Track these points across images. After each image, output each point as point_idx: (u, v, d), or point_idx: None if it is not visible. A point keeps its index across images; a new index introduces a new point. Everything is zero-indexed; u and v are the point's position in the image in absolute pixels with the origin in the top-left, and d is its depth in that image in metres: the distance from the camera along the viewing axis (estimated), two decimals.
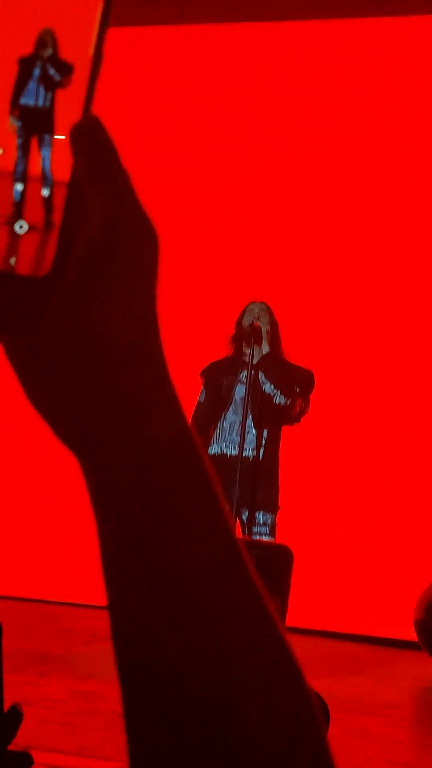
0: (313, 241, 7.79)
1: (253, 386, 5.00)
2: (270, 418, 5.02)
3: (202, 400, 5.18)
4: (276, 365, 5.11)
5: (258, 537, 4.94)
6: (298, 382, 5.11)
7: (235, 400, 5.04)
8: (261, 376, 5.05)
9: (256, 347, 5.04)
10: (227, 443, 5.03)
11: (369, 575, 7.42)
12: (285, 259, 7.82)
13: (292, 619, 7.04)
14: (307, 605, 7.42)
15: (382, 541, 7.43)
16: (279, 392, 5.00)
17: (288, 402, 5.03)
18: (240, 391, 5.01)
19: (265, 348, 5.12)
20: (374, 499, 7.50)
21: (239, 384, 5.06)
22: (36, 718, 3.52)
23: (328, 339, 7.70)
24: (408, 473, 7.43)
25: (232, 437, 5.00)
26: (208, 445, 5.11)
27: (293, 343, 5.39)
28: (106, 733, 3.37)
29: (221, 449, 5.04)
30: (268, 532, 4.95)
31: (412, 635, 6.08)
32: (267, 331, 5.12)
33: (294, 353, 5.30)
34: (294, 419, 5.14)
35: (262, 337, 5.08)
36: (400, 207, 7.64)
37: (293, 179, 7.89)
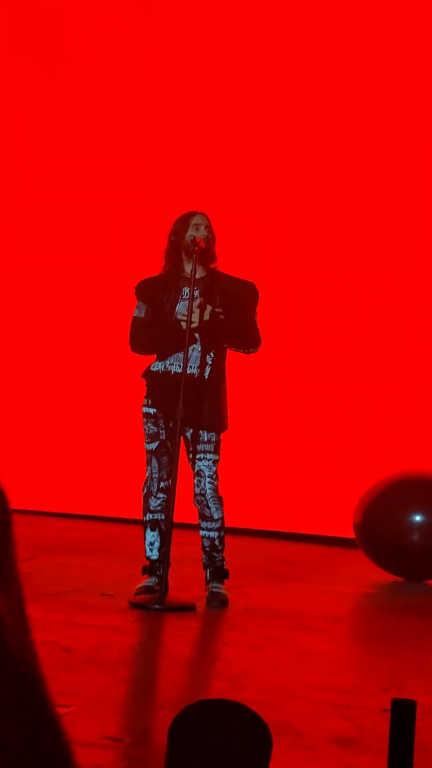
0: (307, 226, 7.62)
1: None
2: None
3: (141, 315, 4.95)
4: (215, 285, 4.91)
5: (202, 454, 4.83)
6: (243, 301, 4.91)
7: (177, 317, 4.85)
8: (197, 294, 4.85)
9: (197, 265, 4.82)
10: (172, 360, 4.86)
11: (313, 479, 7.45)
12: (279, 240, 7.65)
13: (239, 521, 7.10)
14: (251, 507, 7.46)
15: (326, 447, 7.45)
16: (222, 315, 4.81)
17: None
18: (182, 308, 4.82)
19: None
20: (320, 405, 7.50)
21: (182, 301, 4.86)
22: None
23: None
24: (354, 380, 7.42)
25: (177, 355, 4.83)
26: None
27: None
28: (47, 671, 3.28)
29: (165, 367, 4.87)
30: (212, 449, 4.83)
31: (351, 534, 6.11)
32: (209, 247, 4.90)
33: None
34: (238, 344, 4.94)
35: (206, 255, 4.86)
36: (397, 193, 7.45)
37: (292, 173, 7.66)
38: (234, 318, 4.82)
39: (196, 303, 4.79)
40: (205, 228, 4.89)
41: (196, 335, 4.76)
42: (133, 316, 4.96)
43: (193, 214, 4.95)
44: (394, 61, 7.48)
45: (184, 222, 4.92)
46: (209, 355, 4.82)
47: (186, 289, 4.79)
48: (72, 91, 8.23)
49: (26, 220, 8.34)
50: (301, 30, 7.67)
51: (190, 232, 4.88)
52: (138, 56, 8.06)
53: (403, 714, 1.95)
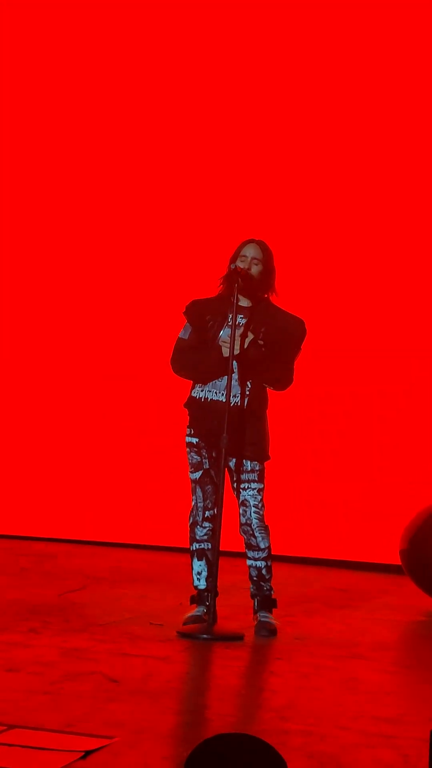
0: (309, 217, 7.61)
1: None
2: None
3: (185, 337, 4.92)
4: (262, 316, 4.87)
5: (246, 484, 4.80)
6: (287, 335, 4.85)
7: (219, 342, 4.82)
8: (242, 322, 4.83)
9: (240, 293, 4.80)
10: (210, 388, 4.83)
11: (360, 506, 7.39)
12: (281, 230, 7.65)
13: (287, 549, 7.05)
14: (298, 535, 7.41)
15: (373, 473, 7.39)
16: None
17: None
18: (225, 335, 4.79)
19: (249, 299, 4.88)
20: (367, 431, 7.44)
21: (226, 327, 4.83)
22: (23, 688, 3.41)
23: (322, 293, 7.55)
24: (401, 406, 7.36)
25: (216, 383, 4.80)
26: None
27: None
28: (93, 702, 3.26)
29: (205, 395, 4.84)
30: (256, 478, 4.80)
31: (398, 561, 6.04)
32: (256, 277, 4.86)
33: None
34: (276, 382, 4.89)
35: (250, 284, 4.82)
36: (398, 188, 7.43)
37: (291, 167, 7.68)
38: (273, 352, 4.78)
39: (239, 331, 4.77)
40: (254, 259, 4.86)
41: (235, 363, 4.73)
42: (178, 336, 4.94)
43: (246, 243, 4.93)
44: (394, 61, 7.44)
45: (237, 250, 4.92)
46: (248, 384, 4.78)
47: (231, 316, 4.76)
48: (71, 90, 8.27)
49: (31, 228, 8.38)
50: (301, 30, 7.66)
51: (237, 262, 4.88)
52: (138, 55, 8.08)
53: None
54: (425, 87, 7.36)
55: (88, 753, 2.64)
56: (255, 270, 4.87)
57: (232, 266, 4.85)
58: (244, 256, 4.89)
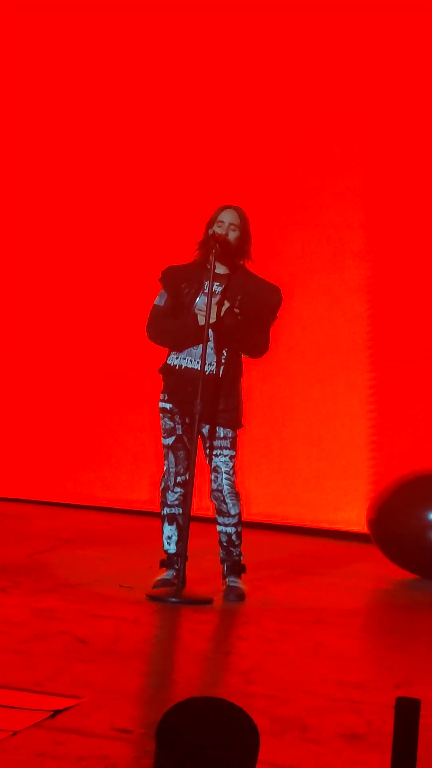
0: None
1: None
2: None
3: (160, 304, 4.90)
4: (238, 284, 4.86)
5: (219, 450, 4.81)
6: (264, 302, 4.84)
7: (195, 310, 4.81)
8: (217, 290, 4.81)
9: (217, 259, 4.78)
10: (185, 355, 4.83)
11: (330, 475, 7.44)
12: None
13: (256, 515, 7.09)
14: (269, 502, 7.45)
15: (343, 443, 7.43)
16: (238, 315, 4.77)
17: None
18: (201, 302, 4.78)
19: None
20: (339, 401, 7.47)
21: (202, 294, 4.82)
22: None
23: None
24: (374, 376, 7.40)
25: (191, 350, 4.80)
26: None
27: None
28: (63, 662, 3.29)
29: (180, 362, 4.84)
30: (229, 446, 4.81)
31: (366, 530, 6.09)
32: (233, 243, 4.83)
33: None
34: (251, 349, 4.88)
35: (226, 250, 4.80)
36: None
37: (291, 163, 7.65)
38: (249, 320, 4.78)
39: (215, 299, 4.77)
40: (232, 225, 4.83)
41: (210, 332, 4.72)
42: (154, 304, 4.92)
43: (223, 208, 4.89)
44: (394, 61, 7.43)
45: (213, 215, 4.88)
46: (223, 352, 4.78)
47: (207, 284, 4.74)
48: (71, 89, 8.21)
49: (29, 213, 8.33)
50: (301, 29, 7.63)
51: (214, 228, 4.85)
52: (137, 54, 8.03)
53: (407, 712, 1.94)
54: (425, 86, 7.35)
55: (56, 712, 2.67)
56: (232, 236, 4.84)
57: (210, 231, 4.83)
58: (221, 221, 4.86)
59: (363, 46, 7.45)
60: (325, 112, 7.55)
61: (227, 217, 4.86)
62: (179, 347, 4.83)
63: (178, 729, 1.39)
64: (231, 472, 4.82)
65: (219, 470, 4.81)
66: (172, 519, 4.85)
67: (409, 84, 7.37)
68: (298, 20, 7.62)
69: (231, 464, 4.82)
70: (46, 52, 8.28)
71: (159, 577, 4.79)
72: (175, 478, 4.84)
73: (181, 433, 4.84)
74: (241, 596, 4.70)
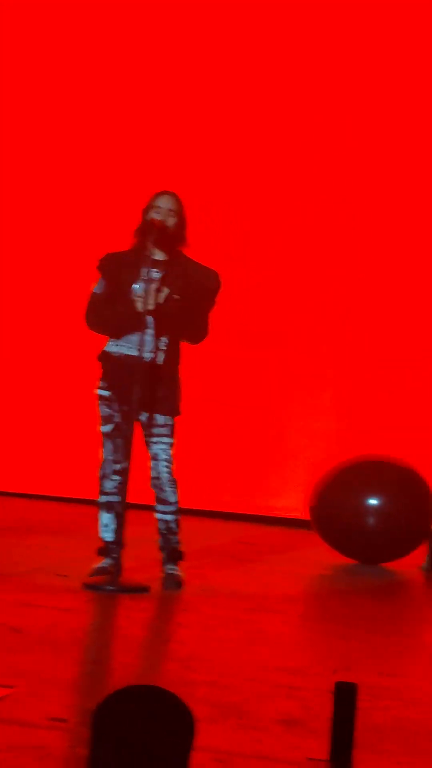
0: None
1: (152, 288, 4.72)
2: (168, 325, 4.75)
3: (99, 291, 4.84)
4: (177, 270, 4.81)
5: (157, 438, 4.77)
6: (202, 288, 4.80)
7: (135, 297, 4.76)
8: (156, 276, 4.76)
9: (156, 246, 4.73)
10: (124, 342, 4.77)
11: (271, 462, 7.43)
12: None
13: (197, 502, 7.06)
14: (209, 489, 7.43)
15: (284, 430, 7.44)
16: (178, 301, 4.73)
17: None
18: (140, 289, 4.73)
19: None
20: (278, 388, 7.47)
21: (141, 281, 4.76)
22: None
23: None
24: (312, 364, 7.40)
25: (130, 338, 4.74)
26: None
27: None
28: None
29: (119, 350, 4.79)
30: (167, 433, 4.77)
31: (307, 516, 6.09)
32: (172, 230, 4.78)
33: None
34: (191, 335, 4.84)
35: (165, 236, 4.75)
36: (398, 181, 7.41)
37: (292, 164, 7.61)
38: (188, 306, 4.74)
39: (153, 286, 4.72)
40: (169, 211, 4.79)
41: (150, 318, 4.68)
42: (92, 291, 4.86)
43: (160, 194, 4.83)
44: (394, 60, 7.42)
45: (150, 202, 4.83)
46: (162, 339, 4.73)
47: (146, 270, 4.69)
48: (71, 87, 8.10)
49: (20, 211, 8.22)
50: (301, 28, 7.60)
51: (152, 214, 4.79)
52: (137, 53, 7.94)
53: (345, 696, 1.92)
54: (425, 85, 7.34)
55: None
56: (170, 222, 4.80)
57: (147, 218, 4.78)
58: (159, 207, 4.81)
59: (363, 46, 7.42)
60: (323, 110, 7.52)
61: (164, 203, 4.81)
62: (118, 334, 4.78)
63: (113, 717, 1.35)
64: (169, 459, 4.78)
65: (157, 458, 4.77)
66: (109, 507, 4.80)
67: (409, 84, 7.37)
68: (294, 19, 7.59)
69: (169, 451, 4.78)
70: (43, 50, 8.13)
71: (96, 566, 4.74)
72: (113, 466, 4.79)
73: (119, 420, 4.78)
74: (179, 583, 4.67)
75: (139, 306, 4.66)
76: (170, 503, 4.79)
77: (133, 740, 1.37)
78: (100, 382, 4.82)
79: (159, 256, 4.80)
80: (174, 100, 7.80)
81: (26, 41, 8.12)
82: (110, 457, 4.79)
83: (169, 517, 4.80)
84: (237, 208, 7.60)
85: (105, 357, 4.83)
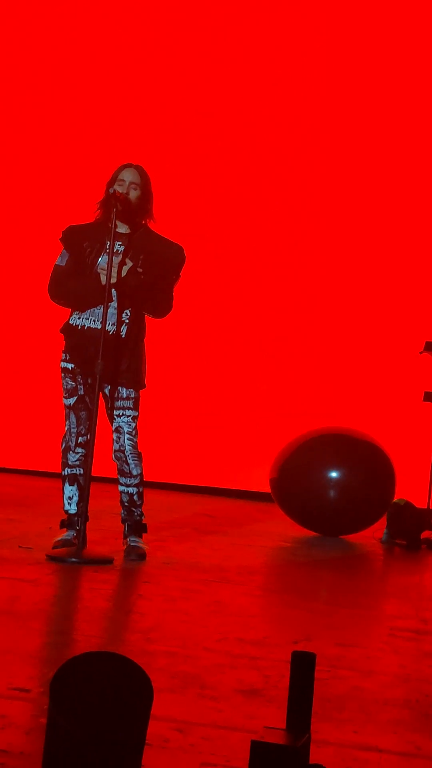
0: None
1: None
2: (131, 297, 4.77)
3: (62, 264, 4.84)
4: (141, 243, 4.82)
5: (121, 410, 4.79)
6: (167, 262, 4.81)
7: (97, 270, 4.76)
8: (119, 249, 4.77)
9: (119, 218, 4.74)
10: (88, 315, 4.78)
11: (232, 435, 7.47)
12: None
13: (159, 475, 7.10)
14: (171, 462, 7.46)
15: (245, 403, 7.47)
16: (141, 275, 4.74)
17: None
18: (103, 262, 4.73)
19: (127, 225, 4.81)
20: (239, 362, 7.50)
21: (104, 254, 4.77)
22: None
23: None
24: (272, 338, 7.44)
25: (94, 311, 4.76)
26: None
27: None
28: None
29: (83, 322, 4.80)
30: (131, 406, 4.80)
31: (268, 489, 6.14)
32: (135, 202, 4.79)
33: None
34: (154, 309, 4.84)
35: (128, 209, 4.75)
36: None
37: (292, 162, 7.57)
38: (152, 279, 4.75)
39: (117, 259, 4.73)
40: (133, 183, 4.79)
41: (113, 291, 4.69)
42: (55, 264, 4.86)
43: (123, 167, 4.83)
44: (393, 60, 7.43)
45: (114, 174, 4.82)
46: (126, 312, 4.75)
47: (109, 243, 4.69)
48: (70, 85, 8.05)
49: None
50: (301, 28, 7.58)
51: (115, 186, 4.79)
52: (137, 52, 7.90)
53: (302, 666, 1.96)
54: (424, 84, 7.34)
55: None
56: (133, 195, 4.80)
57: (111, 191, 4.77)
58: (122, 180, 4.81)
59: (363, 46, 7.42)
60: (323, 111, 7.52)
61: (128, 175, 4.81)
62: (81, 307, 4.78)
63: (71, 683, 1.38)
64: (133, 432, 4.81)
65: (121, 430, 4.80)
66: (73, 479, 4.82)
67: (409, 84, 7.38)
68: (294, 20, 7.56)
69: (133, 425, 4.81)
70: (43, 51, 8.06)
71: (59, 538, 4.77)
72: (77, 439, 4.81)
73: (82, 393, 4.80)
74: (142, 555, 4.71)
75: (103, 279, 4.67)
76: (133, 476, 4.82)
77: (89, 706, 1.40)
78: (63, 354, 4.83)
79: (122, 229, 4.81)
80: (173, 100, 7.78)
81: (26, 42, 8.07)
82: (74, 430, 4.81)
83: (132, 490, 4.83)
84: (236, 208, 7.62)
85: (68, 329, 4.84)
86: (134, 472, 4.83)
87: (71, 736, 1.30)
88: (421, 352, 6.77)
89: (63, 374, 4.83)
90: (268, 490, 6.09)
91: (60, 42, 7.87)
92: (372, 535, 6.01)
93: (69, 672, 1.38)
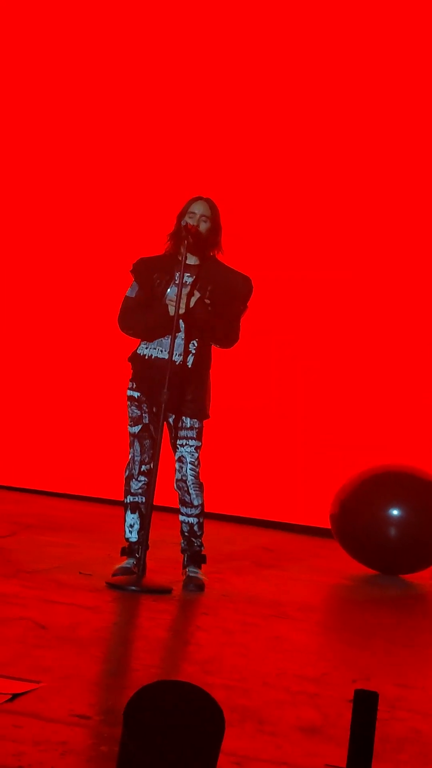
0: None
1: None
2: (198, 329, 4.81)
3: (132, 295, 4.91)
4: (209, 275, 4.86)
5: (185, 440, 4.82)
6: (234, 294, 4.85)
7: (165, 301, 4.81)
8: (188, 281, 4.82)
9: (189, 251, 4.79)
10: (156, 345, 4.84)
11: (294, 469, 7.46)
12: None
13: (220, 507, 7.11)
14: (233, 494, 7.47)
15: (308, 437, 7.47)
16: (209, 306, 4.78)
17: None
18: (172, 293, 4.79)
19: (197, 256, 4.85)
20: (304, 396, 7.50)
21: (173, 285, 4.83)
22: None
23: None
24: (338, 373, 7.43)
25: (161, 341, 4.81)
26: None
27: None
28: (21, 647, 3.28)
29: (150, 352, 4.85)
30: (195, 436, 4.82)
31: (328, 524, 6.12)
32: (205, 235, 4.84)
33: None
34: (221, 340, 4.87)
35: (198, 241, 4.80)
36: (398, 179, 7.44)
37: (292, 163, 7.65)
38: (220, 310, 4.79)
39: (185, 290, 4.77)
40: (203, 216, 4.85)
41: (181, 322, 4.73)
42: (125, 295, 4.93)
43: (194, 200, 4.90)
44: (394, 60, 7.45)
45: (185, 207, 4.89)
46: (192, 343, 4.79)
47: (178, 275, 4.75)
48: (70, 86, 8.17)
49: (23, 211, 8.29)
50: (301, 27, 7.64)
51: (186, 219, 4.85)
52: (137, 52, 8.01)
53: (365, 705, 1.95)
54: (424, 84, 7.37)
55: (15, 696, 2.66)
56: (203, 227, 4.86)
57: (182, 223, 4.83)
58: (193, 212, 4.87)
59: (363, 46, 7.46)
60: (321, 109, 7.56)
61: (199, 208, 4.87)
62: (150, 337, 4.83)
63: (145, 711, 1.39)
64: (196, 462, 4.83)
65: (184, 460, 4.82)
66: (134, 507, 4.85)
67: (409, 84, 7.40)
68: (294, 20, 7.62)
69: (196, 454, 4.83)
70: (43, 52, 8.21)
71: (119, 566, 4.80)
72: (140, 467, 4.84)
73: (147, 422, 4.84)
74: (200, 587, 4.71)
75: (171, 310, 4.72)
76: (194, 506, 4.84)
77: (164, 734, 1.41)
78: (130, 383, 4.88)
79: (192, 260, 4.86)
80: (175, 102, 7.86)
81: (26, 42, 8.20)
82: (137, 458, 4.84)
83: (192, 520, 4.85)
84: (235, 210, 7.67)
85: (135, 358, 4.89)
86: (195, 502, 4.85)
87: (143, 763, 1.31)
88: None
89: (129, 402, 4.87)
90: (328, 525, 6.07)
91: (63, 60, 7.98)
92: (431, 576, 5.96)
93: (143, 699, 1.39)
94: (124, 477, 4.88)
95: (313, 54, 7.58)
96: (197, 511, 4.85)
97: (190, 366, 4.79)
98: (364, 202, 7.47)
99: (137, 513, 4.84)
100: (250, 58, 7.72)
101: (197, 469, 4.84)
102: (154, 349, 4.82)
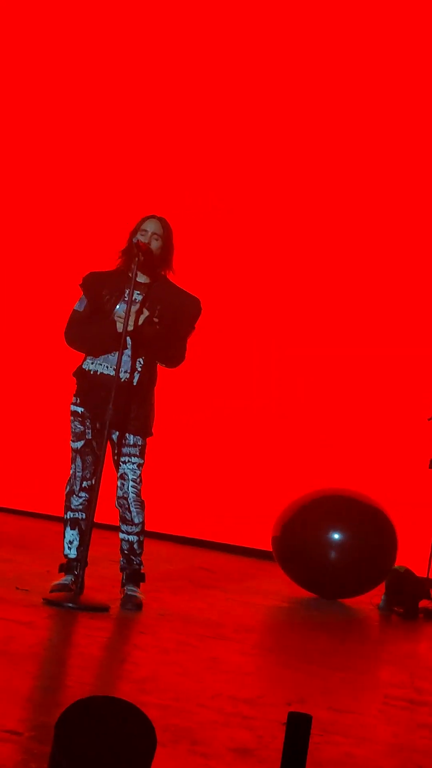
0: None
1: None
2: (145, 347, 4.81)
3: (80, 309, 4.90)
4: (159, 294, 4.87)
5: (127, 458, 4.81)
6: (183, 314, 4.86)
7: (115, 317, 4.81)
8: (137, 299, 4.82)
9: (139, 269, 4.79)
10: (101, 361, 4.82)
11: (235, 491, 7.47)
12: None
13: (160, 526, 7.09)
14: (173, 513, 7.45)
15: (250, 460, 7.48)
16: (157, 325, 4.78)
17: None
18: (121, 309, 4.78)
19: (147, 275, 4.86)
20: (245, 419, 7.51)
21: (122, 302, 4.82)
22: None
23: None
24: (279, 396, 7.45)
25: (108, 357, 4.80)
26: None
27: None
28: None
29: (96, 368, 4.83)
30: (137, 453, 4.81)
31: (269, 547, 6.12)
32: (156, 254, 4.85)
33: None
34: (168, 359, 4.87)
35: (149, 259, 4.81)
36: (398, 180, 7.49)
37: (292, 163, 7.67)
38: (167, 330, 4.79)
39: (135, 307, 4.77)
40: (155, 234, 4.85)
41: (128, 339, 4.73)
42: (73, 309, 4.91)
43: (147, 218, 4.90)
44: (394, 60, 7.51)
45: (137, 225, 4.89)
46: (139, 360, 4.79)
47: (128, 291, 4.75)
48: (70, 87, 8.15)
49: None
50: (301, 27, 7.68)
51: (138, 236, 4.86)
52: (137, 52, 8.00)
53: (298, 728, 1.95)
54: (423, 85, 7.43)
55: None
56: (155, 245, 4.86)
57: (134, 240, 4.83)
58: (145, 230, 4.87)
59: (363, 46, 7.50)
60: (323, 114, 7.59)
61: (150, 226, 4.88)
62: (96, 353, 4.82)
63: (76, 726, 1.38)
64: (138, 480, 4.82)
65: (126, 477, 4.81)
66: (74, 523, 4.82)
67: (409, 85, 7.45)
68: (294, 21, 7.66)
69: (138, 472, 4.82)
70: (43, 54, 8.18)
71: (57, 582, 4.76)
72: (81, 483, 4.81)
73: (90, 437, 4.82)
74: (138, 605, 4.69)
75: (119, 326, 4.71)
76: (135, 524, 4.82)
77: (94, 749, 1.40)
78: (74, 398, 4.86)
79: (142, 278, 4.86)
80: (171, 107, 7.87)
81: (27, 44, 8.18)
82: (78, 474, 4.82)
83: (132, 538, 4.83)
84: (236, 211, 7.67)
85: (80, 373, 4.87)
86: (136, 520, 4.83)
87: None
88: (429, 419, 6.78)
89: (72, 417, 4.85)
90: (269, 547, 6.08)
91: (64, 64, 7.98)
92: (370, 601, 5.98)
93: (74, 714, 1.38)
94: (65, 492, 4.85)
95: (314, 53, 7.62)
96: (137, 529, 4.83)
97: (135, 384, 4.78)
98: (361, 205, 7.52)
99: (77, 529, 4.81)
100: (246, 62, 7.74)
101: (139, 487, 4.83)
102: (100, 365, 4.81)
